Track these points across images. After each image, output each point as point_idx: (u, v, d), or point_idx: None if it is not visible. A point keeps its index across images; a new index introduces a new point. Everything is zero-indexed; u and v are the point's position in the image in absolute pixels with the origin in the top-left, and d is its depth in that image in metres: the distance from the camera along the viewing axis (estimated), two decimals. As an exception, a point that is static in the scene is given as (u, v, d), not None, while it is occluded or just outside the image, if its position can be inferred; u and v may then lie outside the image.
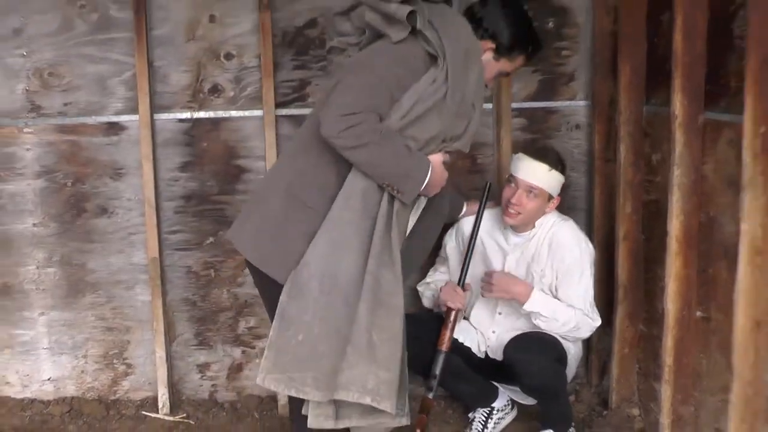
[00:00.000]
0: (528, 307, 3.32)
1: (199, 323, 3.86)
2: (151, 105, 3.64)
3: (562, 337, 3.39)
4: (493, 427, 3.59)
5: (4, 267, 3.79)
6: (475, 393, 3.62)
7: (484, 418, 3.60)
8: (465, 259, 3.42)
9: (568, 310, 3.34)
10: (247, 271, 3.74)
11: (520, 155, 3.36)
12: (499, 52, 2.98)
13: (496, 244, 3.51)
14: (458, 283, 3.41)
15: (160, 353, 3.76)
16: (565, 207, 3.78)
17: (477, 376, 3.59)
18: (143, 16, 3.57)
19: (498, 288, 3.35)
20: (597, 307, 3.65)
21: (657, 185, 3.35)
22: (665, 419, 3.18)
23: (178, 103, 3.72)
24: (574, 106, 3.80)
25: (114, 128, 3.72)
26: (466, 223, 3.52)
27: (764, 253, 2.62)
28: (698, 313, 3.08)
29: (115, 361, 3.86)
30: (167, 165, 3.74)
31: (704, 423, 3.04)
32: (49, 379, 3.86)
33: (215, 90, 3.71)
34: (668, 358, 3.13)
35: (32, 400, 3.85)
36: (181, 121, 3.73)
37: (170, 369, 3.81)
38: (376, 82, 2.76)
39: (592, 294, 3.42)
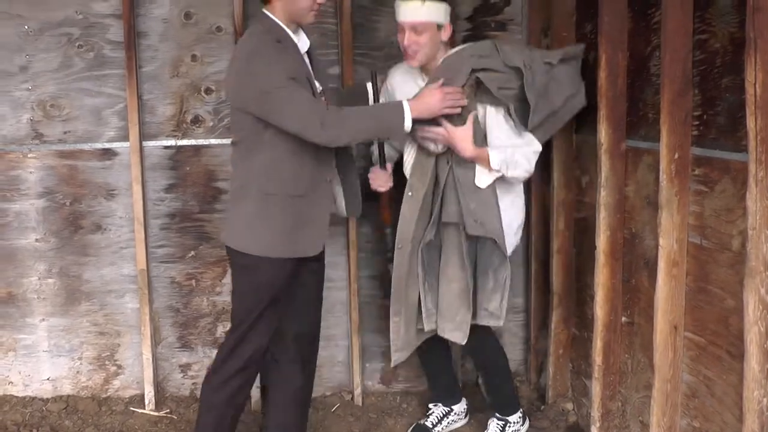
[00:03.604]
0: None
1: (182, 328, 3.75)
2: (140, 133, 3.56)
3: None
4: (446, 426, 3.48)
5: (9, 278, 3.67)
6: (444, 387, 3.50)
7: (441, 415, 3.48)
8: (379, 140, 3.16)
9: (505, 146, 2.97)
10: (224, 281, 3.69)
11: (397, 2, 3.03)
12: None
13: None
14: (379, 165, 3.17)
15: (147, 355, 3.64)
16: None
17: (453, 373, 3.52)
18: (134, 55, 3.50)
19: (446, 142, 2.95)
20: (535, 312, 3.59)
21: (586, 204, 3.29)
22: (596, 413, 3.11)
23: (164, 132, 3.64)
24: (514, 135, 3.71)
25: (107, 154, 3.63)
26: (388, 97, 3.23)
27: (680, 265, 2.59)
28: (623, 318, 3.03)
29: (107, 362, 3.74)
30: (154, 187, 3.65)
31: (630, 416, 2.98)
32: (48, 379, 3.73)
33: (196, 120, 3.63)
34: (597, 358, 3.08)
35: (32, 398, 3.71)
36: (166, 147, 3.64)
37: (156, 369, 3.69)
38: None
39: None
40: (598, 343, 3.06)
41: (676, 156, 2.53)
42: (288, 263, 2.88)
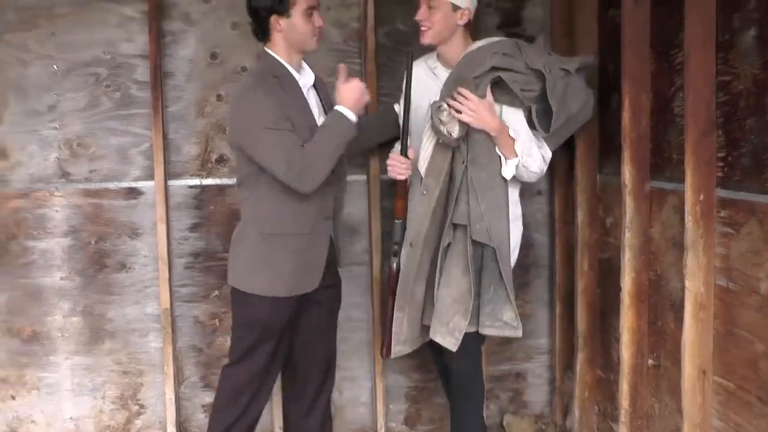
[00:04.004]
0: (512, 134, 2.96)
1: (205, 367, 3.76)
2: (165, 173, 3.60)
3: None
4: None
5: (34, 316, 3.70)
6: None
7: None
8: (402, 125, 3.03)
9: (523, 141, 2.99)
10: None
11: None
12: (278, 11, 2.85)
13: (431, 92, 3.06)
14: (400, 152, 3.05)
15: (170, 395, 3.66)
16: (529, 264, 3.72)
17: None
18: (160, 95, 3.55)
19: (472, 112, 2.88)
20: (560, 353, 3.57)
21: (610, 245, 3.27)
22: (622, 457, 3.08)
23: (188, 171, 3.68)
24: (537, 174, 3.72)
25: (133, 193, 3.67)
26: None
27: (707, 308, 2.57)
28: (650, 361, 3.00)
29: (129, 401, 3.75)
30: (178, 226, 3.69)
31: (657, 461, 2.95)
32: (70, 419, 3.74)
33: (221, 160, 3.67)
34: (624, 401, 3.05)
35: (55, 438, 3.74)
36: (191, 187, 3.68)
37: (178, 409, 3.70)
38: None
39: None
40: (624, 386, 3.03)
41: (701, 197, 2.52)
42: (289, 302, 2.93)
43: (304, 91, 2.95)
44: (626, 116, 2.91)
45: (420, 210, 3.01)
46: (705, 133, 2.51)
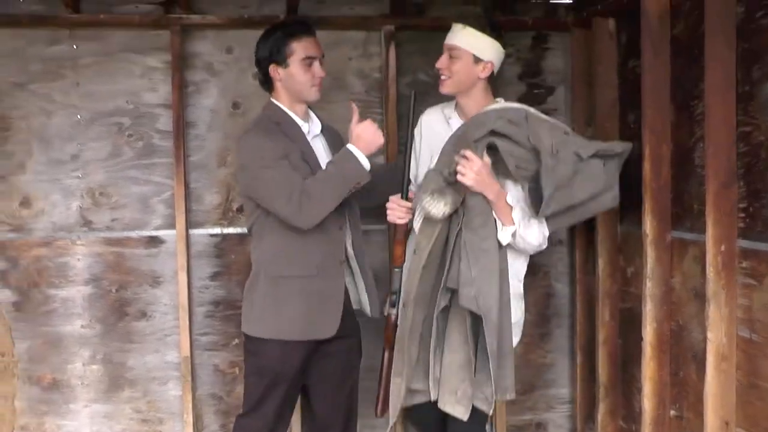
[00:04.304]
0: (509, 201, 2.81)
1: (224, 416, 3.77)
2: (186, 221, 3.65)
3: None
4: None
5: (54, 364, 3.73)
6: None
7: None
8: (403, 168, 2.90)
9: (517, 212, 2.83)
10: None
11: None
12: (276, 60, 2.94)
13: (442, 141, 2.94)
14: (401, 195, 2.90)
15: (189, 443, 3.69)
16: (550, 315, 3.73)
17: None
18: (181, 144, 3.61)
19: (475, 175, 2.71)
20: (581, 404, 3.55)
21: (631, 295, 3.29)
22: None
23: (210, 220, 3.73)
24: (558, 224, 3.75)
25: (154, 242, 3.73)
26: (418, 135, 3.07)
27: (729, 359, 2.58)
28: (672, 412, 3.00)
29: (148, 450, 3.78)
30: (199, 274, 3.74)
31: None
32: (89, 466, 3.77)
33: (242, 209, 3.68)
34: (646, 452, 3.04)
35: (73, 487, 3.75)
36: (212, 236, 3.74)
37: (197, 458, 3.73)
38: None
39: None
40: (646, 438, 3.03)
41: (723, 248, 2.54)
42: (300, 347, 2.93)
43: (309, 138, 3.00)
44: (647, 166, 2.93)
45: (411, 268, 2.90)
46: (726, 185, 2.54)
